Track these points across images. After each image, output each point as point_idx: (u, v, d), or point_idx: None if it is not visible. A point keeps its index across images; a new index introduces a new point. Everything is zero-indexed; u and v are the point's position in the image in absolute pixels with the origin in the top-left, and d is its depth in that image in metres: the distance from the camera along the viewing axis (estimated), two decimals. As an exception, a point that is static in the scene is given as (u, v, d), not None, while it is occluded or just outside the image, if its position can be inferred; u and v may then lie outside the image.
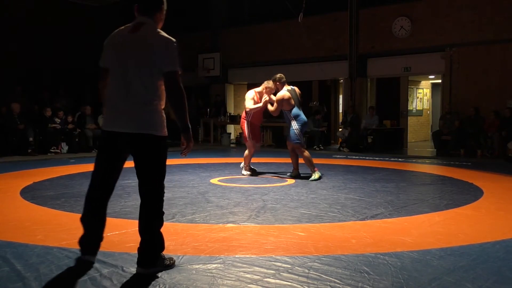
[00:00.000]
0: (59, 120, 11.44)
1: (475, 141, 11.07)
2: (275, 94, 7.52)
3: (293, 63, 14.73)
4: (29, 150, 10.50)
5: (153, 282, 2.78)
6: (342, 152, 12.10)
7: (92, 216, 3.09)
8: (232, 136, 15.92)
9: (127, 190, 6.01)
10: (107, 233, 3.84)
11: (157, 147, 3.00)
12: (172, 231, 3.94)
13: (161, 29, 3.12)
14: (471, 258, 3.27)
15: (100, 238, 3.13)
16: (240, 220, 4.35)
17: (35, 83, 14.43)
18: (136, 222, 2.95)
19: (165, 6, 3.21)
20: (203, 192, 5.90)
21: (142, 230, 3.00)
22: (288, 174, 7.47)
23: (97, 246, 3.12)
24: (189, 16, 17.05)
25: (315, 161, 8.27)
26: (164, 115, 3.09)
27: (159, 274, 2.90)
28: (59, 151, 11.12)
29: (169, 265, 3.04)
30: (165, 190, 3.14)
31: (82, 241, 3.09)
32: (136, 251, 3.02)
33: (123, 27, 3.11)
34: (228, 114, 15.42)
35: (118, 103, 2.97)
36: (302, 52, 14.24)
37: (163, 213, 3.12)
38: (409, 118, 14.06)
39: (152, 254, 2.97)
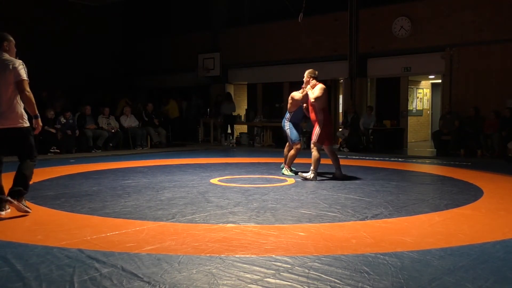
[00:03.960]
0: (64, 121, 11.43)
1: (475, 141, 11.06)
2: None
3: (293, 63, 14.72)
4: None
5: (153, 282, 2.78)
6: (342, 152, 12.09)
7: None
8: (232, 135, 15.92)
9: (127, 190, 6.01)
10: (107, 233, 3.86)
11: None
12: (172, 231, 3.94)
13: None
14: (471, 258, 3.27)
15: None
16: (240, 220, 4.35)
17: (35, 83, 14.42)
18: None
19: (6, 41, 4.54)
20: (203, 192, 5.90)
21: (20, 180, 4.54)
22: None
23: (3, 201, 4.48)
24: (189, 16, 17.06)
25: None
26: (23, 111, 4.54)
27: (159, 274, 2.90)
28: (58, 151, 11.10)
29: (25, 207, 4.55)
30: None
31: None
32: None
33: None
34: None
35: None
36: (302, 52, 14.24)
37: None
38: (409, 118, 14.06)
39: (19, 193, 4.49)
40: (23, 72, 4.46)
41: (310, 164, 7.21)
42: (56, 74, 14.98)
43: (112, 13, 17.83)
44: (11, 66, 4.42)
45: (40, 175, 7.25)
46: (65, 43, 15.88)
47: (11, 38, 4.62)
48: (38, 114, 4.63)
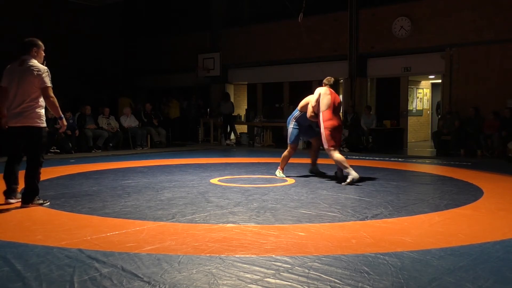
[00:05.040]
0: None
1: (475, 141, 11.06)
2: None
3: (293, 63, 14.72)
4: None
5: (153, 282, 2.78)
6: (342, 152, 12.06)
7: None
8: (232, 136, 15.91)
9: (127, 190, 6.01)
10: (107, 233, 3.87)
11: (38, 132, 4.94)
12: (172, 231, 3.94)
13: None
14: (471, 258, 3.27)
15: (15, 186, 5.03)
16: (240, 220, 4.35)
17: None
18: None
19: (35, 47, 5.00)
20: (203, 192, 5.90)
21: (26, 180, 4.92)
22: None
23: (15, 190, 5.04)
24: (189, 16, 17.06)
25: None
26: (42, 112, 4.91)
27: (159, 274, 2.90)
28: (58, 151, 11.10)
29: (42, 203, 4.99)
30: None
31: (6, 192, 5.01)
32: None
33: (14, 62, 4.97)
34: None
35: (15, 108, 4.84)
36: (302, 52, 14.23)
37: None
38: (409, 118, 14.06)
39: (30, 196, 4.91)
40: (48, 80, 4.89)
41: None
42: (55, 74, 14.93)
43: (112, 13, 17.82)
44: (36, 73, 4.84)
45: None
46: (65, 43, 15.86)
47: (41, 44, 5.07)
48: (62, 116, 5.15)
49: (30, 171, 4.91)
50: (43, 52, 5.07)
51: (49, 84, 4.88)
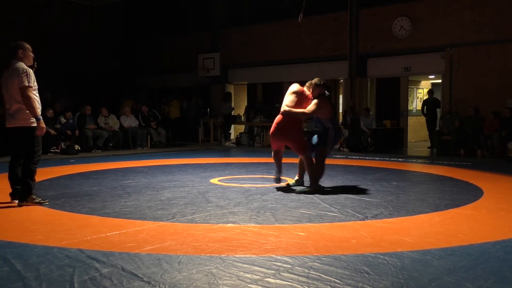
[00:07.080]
0: (65, 121, 11.44)
1: (475, 141, 11.06)
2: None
3: (293, 63, 14.72)
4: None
5: (153, 282, 2.78)
6: (342, 152, 12.09)
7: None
8: (232, 136, 15.92)
9: (127, 190, 6.01)
10: (107, 233, 3.87)
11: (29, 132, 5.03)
12: (172, 231, 3.94)
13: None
14: (471, 258, 3.27)
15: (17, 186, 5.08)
16: (240, 220, 4.35)
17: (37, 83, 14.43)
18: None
19: (21, 49, 5.03)
20: (203, 192, 5.90)
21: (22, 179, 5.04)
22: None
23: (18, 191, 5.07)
24: (189, 16, 17.05)
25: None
26: (28, 113, 4.93)
27: (159, 274, 2.90)
28: (59, 151, 11.10)
29: (39, 202, 5.05)
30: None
31: (10, 193, 5.12)
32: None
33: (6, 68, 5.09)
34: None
35: (9, 110, 5.01)
36: (302, 52, 14.23)
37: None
38: (409, 118, 14.05)
39: (23, 194, 5.02)
40: (25, 79, 4.89)
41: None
42: (56, 74, 14.95)
43: (112, 13, 17.83)
44: (16, 74, 4.90)
45: (40, 175, 7.22)
46: (66, 44, 15.87)
47: (27, 46, 5.10)
48: (40, 117, 5.00)
49: (23, 168, 5.04)
50: (30, 53, 5.12)
51: (26, 83, 4.89)
